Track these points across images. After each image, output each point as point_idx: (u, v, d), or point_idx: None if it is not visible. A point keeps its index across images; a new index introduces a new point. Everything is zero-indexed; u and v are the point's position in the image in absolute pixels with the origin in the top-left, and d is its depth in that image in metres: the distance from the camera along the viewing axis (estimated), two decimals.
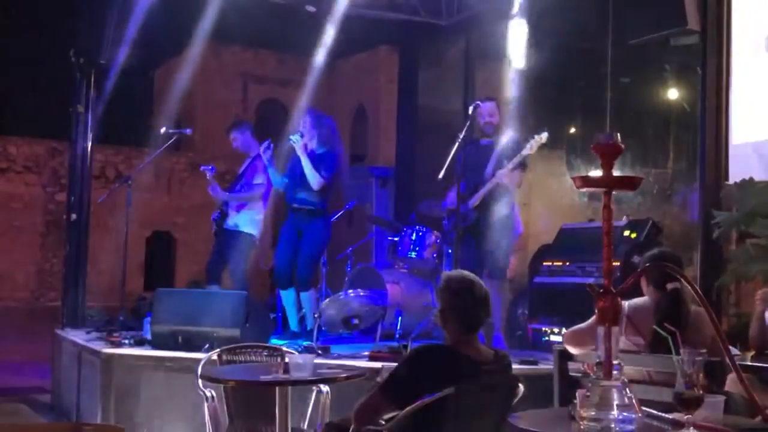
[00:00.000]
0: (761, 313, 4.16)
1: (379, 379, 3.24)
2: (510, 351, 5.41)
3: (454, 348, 3.04)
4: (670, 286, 3.46)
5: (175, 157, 19.32)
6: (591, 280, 5.91)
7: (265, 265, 8.59)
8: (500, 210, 6.12)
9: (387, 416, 3.07)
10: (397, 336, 6.61)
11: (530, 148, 6.06)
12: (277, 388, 3.57)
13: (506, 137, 6.21)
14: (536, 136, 6.08)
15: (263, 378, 3.56)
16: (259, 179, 6.85)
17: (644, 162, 19.29)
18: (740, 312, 5.78)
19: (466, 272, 3.18)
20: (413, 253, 6.92)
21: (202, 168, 7.14)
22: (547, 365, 4.97)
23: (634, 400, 2.08)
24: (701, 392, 2.16)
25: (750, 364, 3.98)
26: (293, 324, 6.52)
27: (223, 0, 7.83)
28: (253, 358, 4.21)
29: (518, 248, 7.41)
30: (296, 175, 6.39)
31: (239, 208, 6.96)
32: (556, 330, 6.04)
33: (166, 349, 5.46)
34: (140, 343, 5.75)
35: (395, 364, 3.18)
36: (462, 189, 5.88)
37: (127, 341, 5.77)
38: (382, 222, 8.66)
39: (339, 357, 5.42)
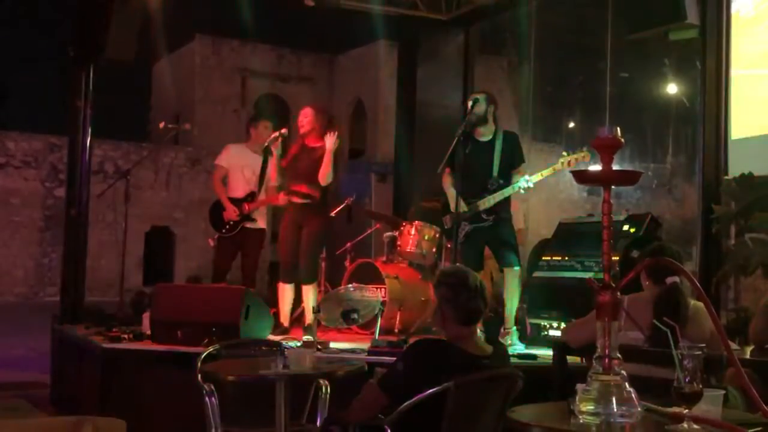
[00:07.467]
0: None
1: (372, 380, 3.24)
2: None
3: (453, 343, 3.04)
4: (669, 280, 3.46)
5: (174, 152, 19.30)
6: (590, 275, 5.91)
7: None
8: (508, 207, 6.05)
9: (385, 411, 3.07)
10: (396, 331, 6.62)
11: (567, 164, 5.45)
12: (276, 383, 3.57)
13: (506, 135, 6.05)
14: (578, 153, 5.49)
15: (263, 372, 3.56)
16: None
17: (643, 156, 19.32)
18: (739, 306, 5.78)
19: (459, 265, 3.18)
20: (412, 248, 6.92)
21: None
22: (547, 360, 4.97)
23: (633, 395, 2.08)
24: (700, 386, 2.17)
25: (749, 358, 3.98)
26: (287, 319, 6.51)
27: None
28: (253, 352, 4.22)
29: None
30: (298, 169, 6.35)
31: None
32: (555, 324, 6.04)
33: (166, 343, 5.46)
34: (139, 337, 5.74)
35: (394, 359, 3.18)
36: (463, 187, 5.81)
37: (126, 336, 5.77)
38: (381, 217, 8.66)
39: (338, 352, 5.41)
